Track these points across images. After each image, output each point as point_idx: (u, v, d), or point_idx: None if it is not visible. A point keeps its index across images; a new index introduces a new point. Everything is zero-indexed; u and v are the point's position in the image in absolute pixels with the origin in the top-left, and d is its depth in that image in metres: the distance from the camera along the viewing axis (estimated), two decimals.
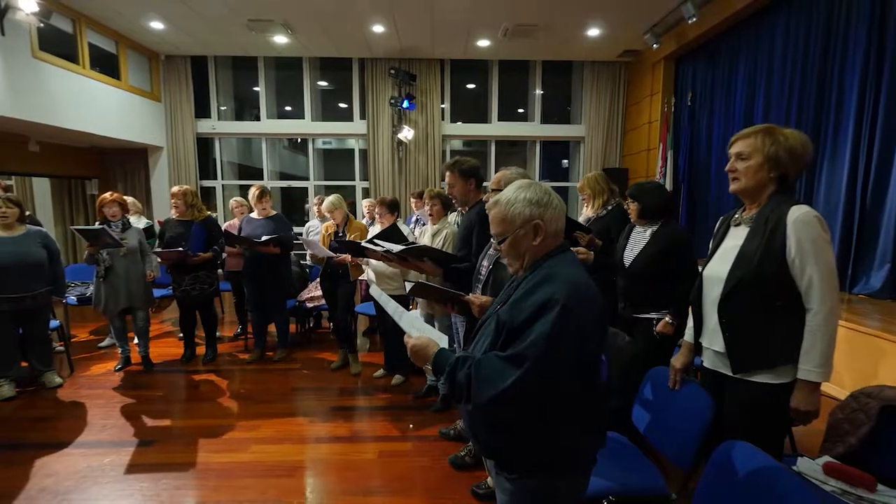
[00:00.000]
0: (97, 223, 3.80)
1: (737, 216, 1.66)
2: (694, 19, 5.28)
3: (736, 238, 1.60)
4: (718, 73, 6.04)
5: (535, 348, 1.08)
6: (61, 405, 3.36)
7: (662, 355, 2.41)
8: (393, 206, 3.50)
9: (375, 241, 2.62)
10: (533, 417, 1.16)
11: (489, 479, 2.29)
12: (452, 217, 3.81)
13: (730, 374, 1.59)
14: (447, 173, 2.55)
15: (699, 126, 6.51)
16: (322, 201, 4.86)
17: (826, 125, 4.47)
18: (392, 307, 1.46)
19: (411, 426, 3.04)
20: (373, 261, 3.26)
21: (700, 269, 1.80)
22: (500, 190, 2.03)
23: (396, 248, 2.42)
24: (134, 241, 3.85)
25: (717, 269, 1.61)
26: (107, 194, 3.84)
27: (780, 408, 1.52)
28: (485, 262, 2.12)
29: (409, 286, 2.11)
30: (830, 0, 4.41)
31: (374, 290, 1.66)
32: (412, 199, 5.45)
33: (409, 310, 3.58)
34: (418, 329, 1.37)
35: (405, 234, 3.17)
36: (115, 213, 3.80)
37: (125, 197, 4.21)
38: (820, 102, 4.55)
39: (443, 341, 1.29)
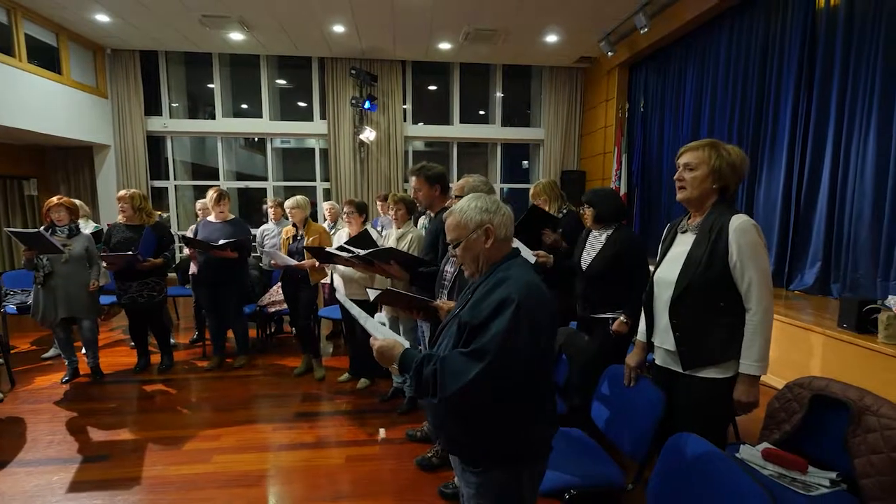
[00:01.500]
0: (42, 228, 3.60)
1: (683, 224, 1.78)
2: (646, 30, 5.52)
3: (683, 244, 1.72)
4: (669, 81, 6.35)
5: (494, 342, 1.18)
6: (2, 422, 3.15)
7: (619, 353, 2.55)
8: (362, 208, 3.48)
9: (345, 245, 2.62)
10: (496, 408, 1.25)
11: (456, 479, 2.34)
12: (422, 221, 3.85)
13: (680, 370, 1.70)
14: (413, 178, 2.59)
15: (651, 131, 6.83)
16: (277, 204, 4.78)
17: (765, 133, 4.80)
18: (356, 311, 1.50)
19: (383, 433, 3.05)
20: (340, 266, 3.25)
21: (652, 270, 1.92)
22: (463, 196, 2.11)
23: (363, 251, 2.43)
24: (80, 247, 3.64)
25: (667, 273, 1.73)
26: (53, 198, 3.63)
27: (725, 400, 1.65)
28: (449, 268, 2.17)
29: (372, 294, 2.13)
30: (768, 19, 4.74)
31: (340, 296, 1.69)
32: (378, 202, 5.42)
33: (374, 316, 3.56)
34: (383, 333, 1.42)
35: (374, 238, 3.17)
36: (62, 218, 3.60)
37: (74, 200, 4.00)
38: (759, 112, 4.88)
39: (406, 344, 1.37)
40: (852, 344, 3.03)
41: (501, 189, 8.68)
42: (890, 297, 2.91)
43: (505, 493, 1.33)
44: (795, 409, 1.98)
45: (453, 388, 1.18)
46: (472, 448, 1.32)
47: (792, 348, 3.48)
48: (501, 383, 1.20)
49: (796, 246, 4.44)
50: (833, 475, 1.78)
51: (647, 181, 6.97)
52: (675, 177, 1.71)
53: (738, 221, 1.57)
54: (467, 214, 1.36)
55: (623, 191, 6.85)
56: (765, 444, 1.98)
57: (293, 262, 3.55)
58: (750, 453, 1.95)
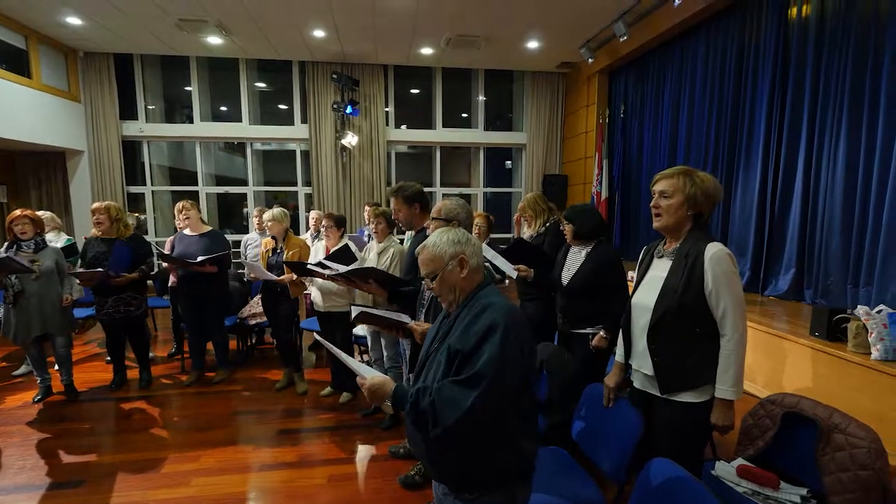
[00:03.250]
0: (5, 244, 3.49)
1: (659, 248, 1.81)
2: (625, 38, 5.59)
3: (659, 269, 1.76)
4: (648, 88, 6.44)
5: (489, 366, 1.23)
6: None
7: (599, 370, 2.59)
8: (340, 222, 3.46)
9: (324, 262, 2.60)
10: (494, 430, 1.29)
11: None
12: (409, 234, 3.84)
13: (657, 394, 1.73)
14: (392, 199, 2.58)
15: (631, 136, 6.92)
16: (261, 212, 4.72)
17: (741, 141, 4.90)
18: (341, 355, 1.52)
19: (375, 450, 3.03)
20: (318, 280, 3.22)
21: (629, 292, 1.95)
22: (441, 218, 2.11)
23: (342, 269, 2.42)
24: (49, 262, 3.54)
25: (644, 298, 1.76)
26: (17, 211, 3.51)
27: (701, 422, 1.69)
28: (427, 289, 2.17)
29: (354, 311, 2.12)
30: (742, 29, 4.84)
31: (360, 330, 1.71)
32: (366, 208, 5.37)
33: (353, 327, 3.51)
34: (369, 372, 1.43)
35: (353, 252, 3.15)
36: (26, 231, 3.47)
37: (40, 213, 3.88)
38: (735, 119, 4.99)
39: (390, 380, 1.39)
40: (823, 352, 3.12)
41: (485, 194, 8.71)
42: (859, 307, 2.99)
43: None
44: (768, 426, 2.03)
45: (453, 417, 1.22)
46: (467, 473, 1.34)
47: (766, 356, 3.56)
48: (499, 404, 1.25)
49: (771, 252, 4.55)
50: (804, 491, 1.83)
51: (627, 185, 7.06)
52: (651, 204, 1.74)
53: (713, 250, 1.60)
54: (440, 248, 1.41)
55: (604, 195, 6.93)
56: (739, 461, 2.03)
57: (272, 276, 3.51)
58: (725, 470, 1.99)
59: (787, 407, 2.00)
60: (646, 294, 1.76)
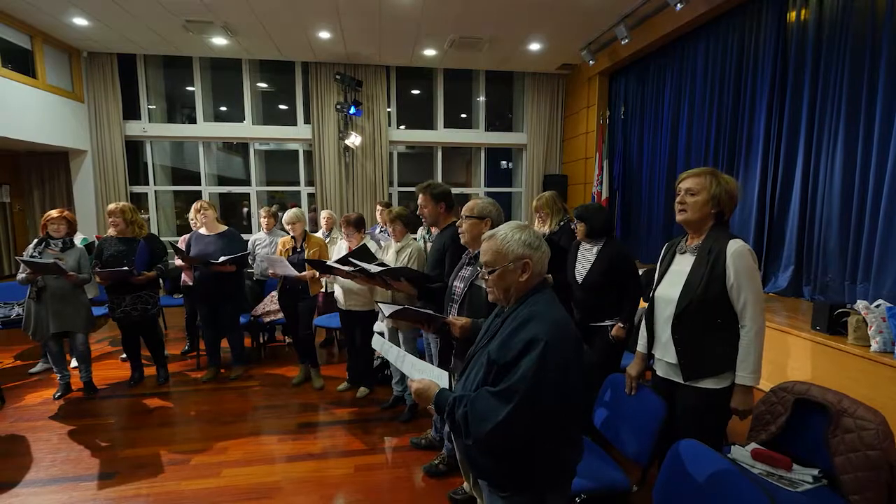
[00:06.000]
0: (34, 241, 3.56)
1: (682, 245, 1.92)
2: (626, 40, 5.73)
3: (682, 264, 1.87)
4: (648, 89, 6.58)
5: (523, 382, 1.23)
6: None
7: (615, 359, 2.73)
8: (359, 224, 3.54)
9: (351, 260, 2.69)
10: (524, 442, 1.31)
11: (465, 485, 2.44)
12: (420, 232, 3.94)
13: (681, 381, 1.85)
14: (420, 195, 2.68)
15: (631, 137, 7.05)
16: (269, 213, 4.79)
17: (740, 141, 5.04)
18: (394, 355, 1.57)
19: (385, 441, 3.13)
20: (340, 277, 3.31)
21: (652, 287, 2.06)
22: (473, 216, 2.21)
23: (374, 268, 2.51)
24: (73, 261, 3.60)
25: (667, 291, 1.87)
26: (53, 211, 3.61)
27: (722, 408, 1.80)
28: (458, 283, 2.26)
29: (387, 309, 2.21)
30: (742, 31, 4.98)
31: (377, 342, 1.75)
32: (378, 207, 5.45)
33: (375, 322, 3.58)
34: (419, 371, 1.51)
35: (373, 252, 3.24)
36: (60, 230, 3.59)
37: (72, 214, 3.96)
38: (735, 121, 5.13)
39: (442, 379, 1.44)
40: (824, 345, 3.26)
41: (486, 194, 8.81)
42: (858, 301, 3.14)
43: None
44: (780, 412, 2.16)
45: (484, 429, 1.24)
46: (500, 476, 1.39)
47: (769, 349, 3.66)
48: (531, 420, 1.25)
49: (770, 250, 4.70)
50: (815, 472, 1.96)
51: (627, 185, 7.20)
52: (677, 200, 1.85)
53: (735, 246, 1.72)
54: (509, 245, 1.38)
55: (604, 195, 7.06)
56: (753, 445, 2.15)
57: (294, 272, 3.58)
58: (740, 453, 2.12)
59: (798, 394, 2.12)
60: (669, 287, 1.87)
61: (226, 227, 4.03)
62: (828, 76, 4.13)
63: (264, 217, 4.91)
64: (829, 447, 1.93)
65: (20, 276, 3.49)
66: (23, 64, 6.18)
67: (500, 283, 1.41)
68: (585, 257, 2.80)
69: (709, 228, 1.81)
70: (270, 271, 3.76)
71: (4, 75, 5.73)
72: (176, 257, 4.17)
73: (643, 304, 2.25)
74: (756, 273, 1.72)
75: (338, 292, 3.55)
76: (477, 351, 1.49)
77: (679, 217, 1.87)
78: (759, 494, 1.37)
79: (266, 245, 4.76)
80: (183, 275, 4.44)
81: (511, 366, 1.27)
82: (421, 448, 2.96)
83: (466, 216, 2.18)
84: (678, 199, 1.84)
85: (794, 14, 4.47)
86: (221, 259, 3.65)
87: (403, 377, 3.39)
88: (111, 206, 3.76)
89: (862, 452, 1.83)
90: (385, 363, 3.91)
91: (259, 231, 4.97)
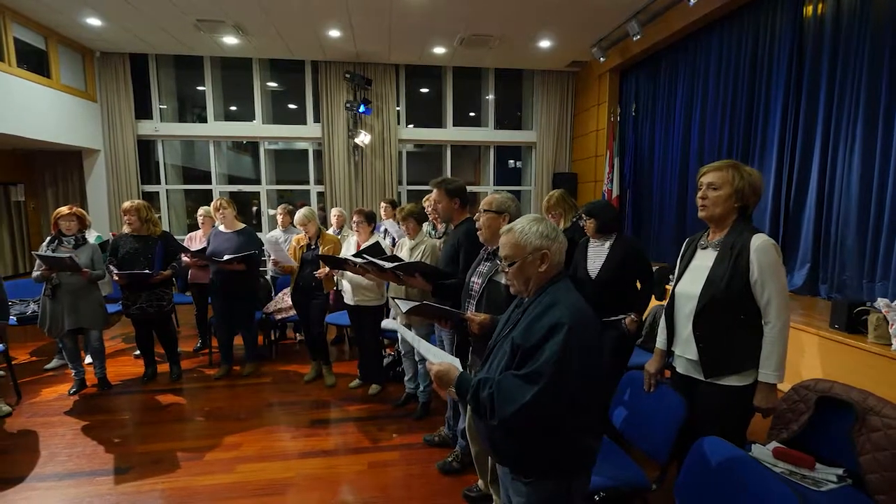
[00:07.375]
0: (48, 238, 3.59)
1: (703, 240, 1.89)
2: (638, 36, 5.67)
3: (704, 259, 1.84)
4: (660, 86, 6.51)
5: (548, 365, 1.25)
6: (14, 436, 3.14)
7: (626, 353, 2.72)
8: (371, 217, 3.55)
9: (364, 255, 2.68)
10: (549, 425, 1.32)
11: (480, 483, 2.43)
12: (426, 227, 3.93)
13: (702, 378, 1.82)
14: (434, 190, 2.67)
15: (642, 135, 6.99)
16: (287, 211, 4.82)
17: (755, 139, 4.98)
18: (410, 336, 1.56)
19: (394, 436, 3.12)
20: (349, 273, 3.31)
21: (663, 285, 2.03)
22: (492, 210, 2.20)
23: (389, 264, 2.50)
24: (86, 258, 3.63)
25: (688, 287, 1.84)
26: (64, 208, 3.64)
27: (744, 405, 1.77)
28: (476, 279, 2.24)
29: (404, 306, 2.19)
30: (757, 27, 4.91)
31: (389, 323, 1.75)
32: (382, 204, 5.47)
33: (385, 317, 3.60)
34: (435, 355, 1.50)
35: (384, 248, 3.24)
36: (71, 227, 3.61)
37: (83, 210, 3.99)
38: (749, 118, 5.06)
39: (457, 365, 1.44)
40: (844, 344, 3.21)
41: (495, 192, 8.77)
42: (879, 299, 3.08)
43: (554, 502, 1.40)
44: (803, 410, 2.12)
45: (510, 410, 1.26)
46: (524, 460, 1.39)
47: (788, 348, 3.64)
48: (556, 403, 1.26)
49: (786, 248, 4.62)
50: (839, 471, 1.92)
51: (638, 183, 7.14)
52: (698, 195, 1.81)
53: (759, 241, 1.68)
54: (527, 237, 1.41)
55: (615, 193, 7.01)
56: (774, 443, 2.12)
57: (292, 261, 3.68)
58: (762, 452, 2.08)
59: (821, 391, 2.09)
60: (690, 283, 1.84)
61: (244, 226, 4.06)
62: (846, 71, 4.05)
63: (281, 214, 4.94)
64: (855, 446, 1.90)
65: (35, 273, 3.51)
66: (37, 64, 6.25)
67: (520, 276, 1.44)
68: (597, 253, 2.78)
69: (732, 223, 1.78)
70: (275, 263, 3.81)
71: (20, 75, 5.80)
72: (183, 254, 4.20)
73: (653, 302, 2.23)
74: (781, 268, 1.69)
75: (346, 288, 3.55)
76: (498, 341, 1.49)
77: (701, 213, 1.84)
78: (787, 492, 1.34)
79: (283, 242, 4.78)
80: (190, 272, 4.45)
81: (535, 349, 1.29)
82: (434, 445, 2.95)
83: (485, 210, 2.17)
84: (699, 193, 1.81)
85: (810, 8, 4.40)
86: (226, 257, 3.68)
87: (416, 374, 3.38)
88: (126, 204, 3.79)
89: (889, 451, 1.79)
90: (396, 360, 3.91)
91: (276, 229, 5.01)
